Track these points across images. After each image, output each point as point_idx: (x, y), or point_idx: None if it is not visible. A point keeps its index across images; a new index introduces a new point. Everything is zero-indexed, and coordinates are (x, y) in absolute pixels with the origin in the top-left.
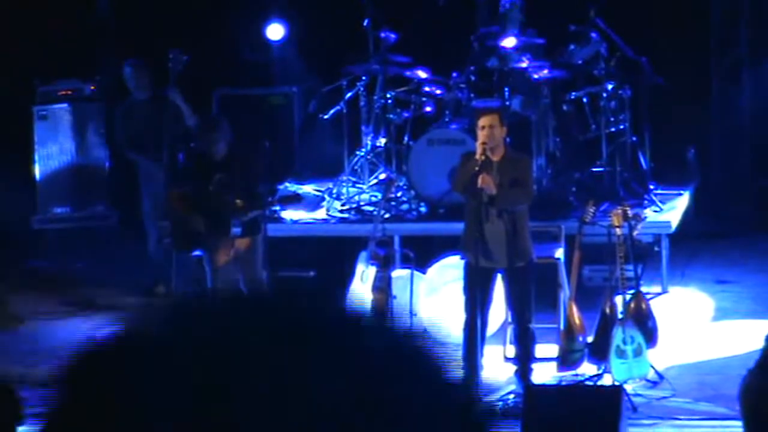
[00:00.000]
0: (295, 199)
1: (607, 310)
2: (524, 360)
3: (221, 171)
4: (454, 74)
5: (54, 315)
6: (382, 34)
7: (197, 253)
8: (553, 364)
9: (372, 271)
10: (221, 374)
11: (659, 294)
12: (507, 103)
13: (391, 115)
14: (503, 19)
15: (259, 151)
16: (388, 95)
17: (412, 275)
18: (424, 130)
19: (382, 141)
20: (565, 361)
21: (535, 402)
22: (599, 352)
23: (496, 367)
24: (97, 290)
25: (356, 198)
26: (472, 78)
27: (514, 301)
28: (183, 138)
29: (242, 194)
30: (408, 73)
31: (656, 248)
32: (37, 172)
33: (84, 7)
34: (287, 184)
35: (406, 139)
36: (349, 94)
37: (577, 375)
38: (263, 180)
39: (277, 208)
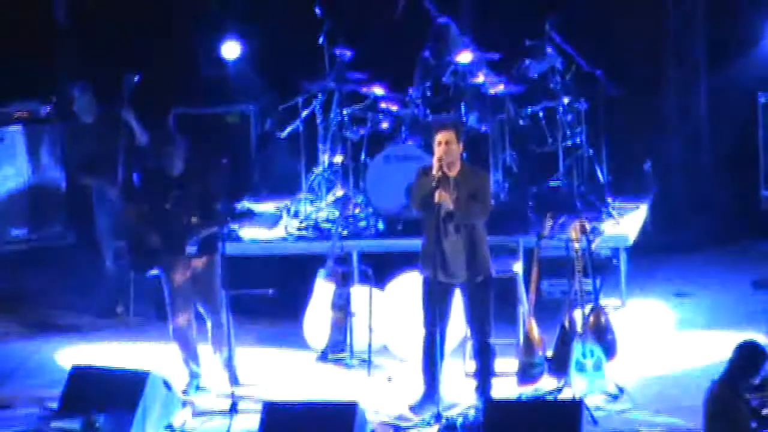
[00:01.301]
0: (247, 215)
1: (566, 324)
2: (484, 375)
3: (178, 188)
4: (410, 90)
5: (12, 336)
6: (338, 51)
7: (154, 272)
8: (513, 379)
9: (330, 288)
10: None
11: (617, 307)
12: (463, 118)
13: (348, 132)
14: (441, 37)
15: (218, 169)
16: (345, 112)
17: (370, 292)
18: (381, 146)
19: (339, 158)
20: (525, 375)
21: (494, 417)
22: (559, 366)
23: (456, 382)
24: (54, 311)
25: (314, 215)
26: (428, 94)
27: (473, 316)
28: (136, 157)
29: (199, 212)
30: (364, 90)
31: (614, 261)
32: None
33: (43, 26)
34: (244, 202)
35: (363, 156)
36: (305, 112)
37: (537, 389)
38: (221, 198)
39: (236, 226)
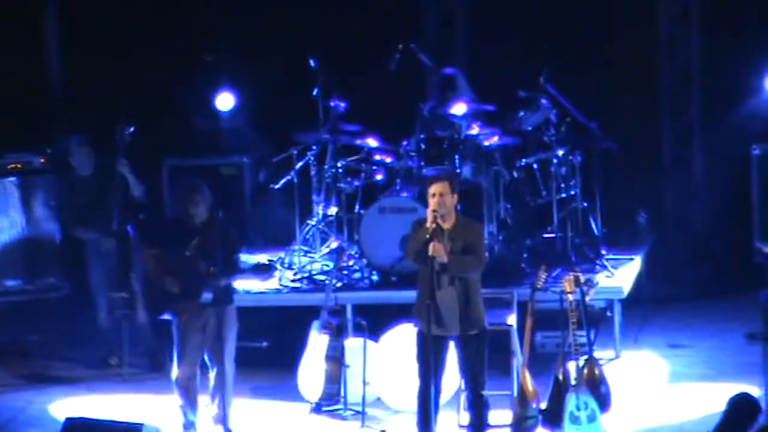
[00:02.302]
0: (266, 269)
1: (560, 376)
2: (478, 427)
3: (199, 236)
4: (405, 142)
5: (6, 387)
6: (332, 103)
7: (167, 317)
8: (508, 431)
9: (325, 340)
10: None
11: (612, 359)
12: (458, 170)
13: (342, 184)
14: (448, 87)
15: (215, 221)
16: (339, 164)
17: (365, 344)
18: (375, 198)
19: (333, 210)
20: (519, 427)
21: None
22: (553, 419)
23: None
24: (48, 362)
25: (308, 267)
26: (423, 146)
27: (467, 368)
28: (131, 208)
29: (217, 261)
30: (358, 142)
31: (609, 313)
32: None
33: (36, 80)
34: (241, 255)
35: (357, 207)
36: (299, 164)
37: None
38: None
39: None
